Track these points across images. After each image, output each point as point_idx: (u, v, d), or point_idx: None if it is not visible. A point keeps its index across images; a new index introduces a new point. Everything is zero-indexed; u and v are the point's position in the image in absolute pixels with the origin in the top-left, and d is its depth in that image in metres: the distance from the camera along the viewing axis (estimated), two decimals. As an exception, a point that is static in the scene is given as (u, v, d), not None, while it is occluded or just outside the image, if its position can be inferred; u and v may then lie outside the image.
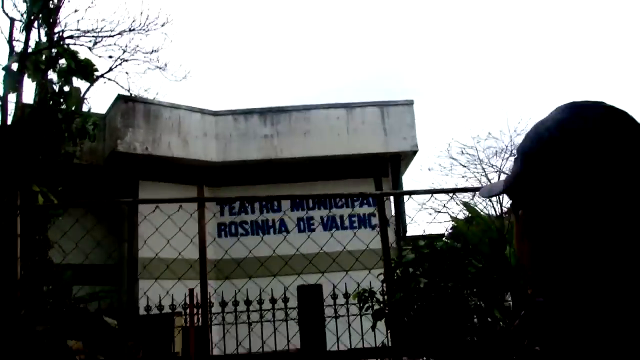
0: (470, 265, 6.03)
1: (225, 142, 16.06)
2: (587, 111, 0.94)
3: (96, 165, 14.88)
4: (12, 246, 5.38)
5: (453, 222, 6.47)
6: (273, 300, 7.05)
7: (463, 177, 25.79)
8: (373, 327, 6.46)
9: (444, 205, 26.04)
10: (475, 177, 25.77)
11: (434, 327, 6.21)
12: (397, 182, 16.77)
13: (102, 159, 15.35)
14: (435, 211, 24.25)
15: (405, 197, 17.41)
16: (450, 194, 12.54)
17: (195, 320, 8.43)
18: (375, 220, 16.53)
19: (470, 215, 7.13)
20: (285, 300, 6.96)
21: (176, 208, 5.15)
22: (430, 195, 6.24)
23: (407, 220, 17.09)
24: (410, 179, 38.71)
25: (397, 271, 5.95)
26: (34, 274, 10.92)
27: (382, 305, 6.31)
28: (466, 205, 7.00)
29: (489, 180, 27.46)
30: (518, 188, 1.00)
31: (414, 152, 17.27)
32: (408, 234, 16.27)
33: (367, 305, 6.41)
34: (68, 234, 5.64)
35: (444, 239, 6.14)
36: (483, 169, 28.97)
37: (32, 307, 5.81)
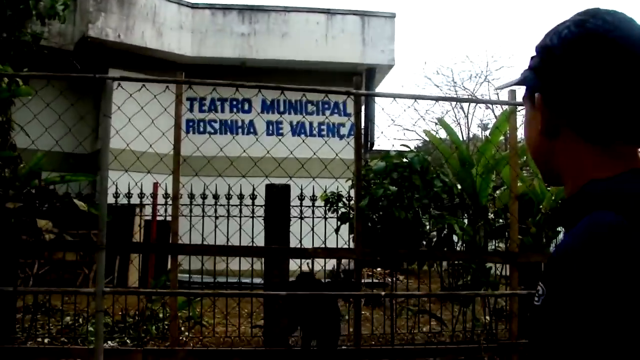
0: (437, 179, 6.22)
1: (200, 37, 15.69)
2: (604, 14, 1.02)
3: (65, 50, 14.43)
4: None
5: (425, 136, 6.56)
6: (241, 196, 7.15)
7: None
8: (337, 230, 6.68)
9: (414, 124, 26.31)
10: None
11: (395, 234, 6.45)
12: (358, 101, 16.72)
13: (72, 43, 14.90)
14: (404, 129, 24.50)
15: (376, 111, 17.47)
16: (434, 102, 12.59)
17: (163, 212, 8.56)
18: (344, 131, 16.62)
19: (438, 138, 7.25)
20: (253, 197, 7.06)
21: (148, 98, 5.12)
22: (410, 104, 6.31)
23: (376, 133, 17.23)
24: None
25: (367, 178, 6.10)
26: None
27: (348, 209, 6.51)
28: (440, 121, 7.10)
29: (461, 104, 27.59)
30: (537, 79, 1.08)
31: (390, 67, 17.19)
32: (375, 148, 16.48)
33: (333, 208, 6.61)
34: (38, 120, 5.51)
35: (414, 151, 6.25)
36: (456, 91, 29.15)
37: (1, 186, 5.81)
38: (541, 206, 6.69)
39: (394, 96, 5.18)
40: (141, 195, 7.47)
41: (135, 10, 14.70)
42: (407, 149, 6.30)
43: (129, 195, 7.41)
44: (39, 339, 6.89)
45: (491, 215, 7.17)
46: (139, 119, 5.50)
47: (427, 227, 6.78)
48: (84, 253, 13.40)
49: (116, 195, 7.27)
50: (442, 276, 7.51)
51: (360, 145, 5.42)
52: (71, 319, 7.84)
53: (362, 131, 17.26)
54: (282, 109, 15.84)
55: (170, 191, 5.77)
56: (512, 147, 5.94)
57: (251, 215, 7.24)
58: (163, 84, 5.75)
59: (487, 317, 6.84)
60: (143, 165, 5.99)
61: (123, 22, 14.52)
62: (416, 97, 5.75)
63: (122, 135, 5.21)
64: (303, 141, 6.44)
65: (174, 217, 5.36)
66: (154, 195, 10.51)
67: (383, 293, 3.63)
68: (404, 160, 6.13)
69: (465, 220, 7.20)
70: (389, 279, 15.19)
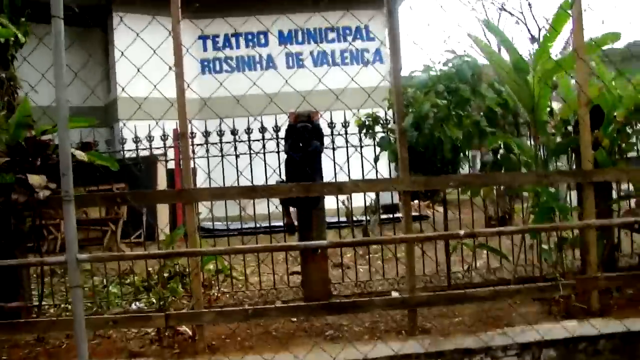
0: (490, 90, 5.23)
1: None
2: None
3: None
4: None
5: (476, 45, 5.51)
6: (263, 129, 6.21)
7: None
8: (376, 159, 5.79)
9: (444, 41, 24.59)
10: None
11: (441, 159, 5.55)
12: (393, 13, 15.53)
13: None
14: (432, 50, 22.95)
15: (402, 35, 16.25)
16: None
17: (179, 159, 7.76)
18: (368, 56, 15.52)
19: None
20: (277, 129, 6.18)
21: (154, 40, 4.25)
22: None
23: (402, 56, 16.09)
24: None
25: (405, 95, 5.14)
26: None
27: (387, 133, 5.60)
28: (488, 23, 6.02)
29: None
30: None
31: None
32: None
33: (369, 134, 5.69)
34: (39, 73, 4.66)
35: (464, 58, 5.22)
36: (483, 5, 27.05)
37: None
38: (615, 114, 5.67)
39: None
40: (164, 137, 6.62)
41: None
42: (453, 55, 5.28)
43: (150, 139, 6.60)
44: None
45: (551, 131, 6.17)
46: (149, 63, 4.63)
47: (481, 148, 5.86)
48: (107, 209, 12.88)
49: (136, 141, 6.48)
50: (498, 204, 6.62)
51: (398, 51, 4.46)
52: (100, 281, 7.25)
53: (382, 60, 16.27)
54: (300, 39, 14.74)
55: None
56: (578, 42, 4.93)
57: (276, 149, 6.37)
58: (167, 21, 4.76)
59: (551, 246, 5.93)
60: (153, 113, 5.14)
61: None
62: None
63: (135, 83, 4.37)
64: (327, 71, 5.50)
65: (184, 158, 4.53)
66: (175, 139, 9.75)
67: (462, 233, 2.84)
68: (451, 68, 5.14)
69: (524, 138, 6.23)
70: (427, 211, 14.36)
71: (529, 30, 24.66)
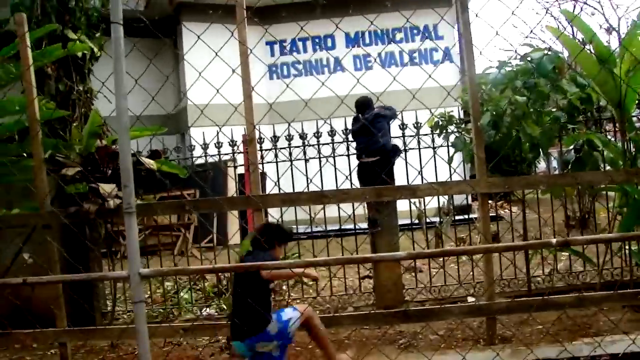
0: (572, 85, 4.90)
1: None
2: None
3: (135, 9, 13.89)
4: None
5: (554, 36, 5.18)
6: (332, 132, 6.07)
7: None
8: (450, 160, 5.56)
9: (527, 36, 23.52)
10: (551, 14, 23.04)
11: (518, 158, 5.26)
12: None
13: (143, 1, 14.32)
14: (506, 50, 22.13)
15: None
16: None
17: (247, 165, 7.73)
18: (437, 56, 15.18)
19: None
20: (347, 132, 6.03)
21: (222, 51, 4.20)
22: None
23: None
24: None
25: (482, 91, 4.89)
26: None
27: (461, 134, 5.36)
28: (568, 14, 5.66)
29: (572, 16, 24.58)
30: None
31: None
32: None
33: (443, 134, 5.47)
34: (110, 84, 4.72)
35: (544, 51, 4.89)
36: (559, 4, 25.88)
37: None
38: None
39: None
40: (233, 143, 6.58)
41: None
42: (531, 49, 4.98)
43: (218, 146, 6.59)
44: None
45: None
46: (218, 71, 4.60)
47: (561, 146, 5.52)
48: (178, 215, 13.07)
49: (205, 147, 6.50)
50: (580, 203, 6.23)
51: (471, 48, 4.23)
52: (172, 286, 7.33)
53: (451, 59, 15.83)
54: (367, 40, 14.57)
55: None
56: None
57: (346, 153, 6.23)
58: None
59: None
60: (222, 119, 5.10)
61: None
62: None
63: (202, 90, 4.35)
64: (398, 73, 5.30)
65: (252, 164, 4.46)
66: (244, 145, 9.77)
67: (554, 241, 2.57)
68: (529, 62, 4.84)
69: (610, 136, 5.85)
70: (501, 212, 13.88)
71: (607, 20, 23.47)
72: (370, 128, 6.09)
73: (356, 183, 6.42)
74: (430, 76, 3.83)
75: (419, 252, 4.29)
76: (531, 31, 21.94)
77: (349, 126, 6.70)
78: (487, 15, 3.22)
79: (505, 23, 3.28)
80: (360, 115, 6.44)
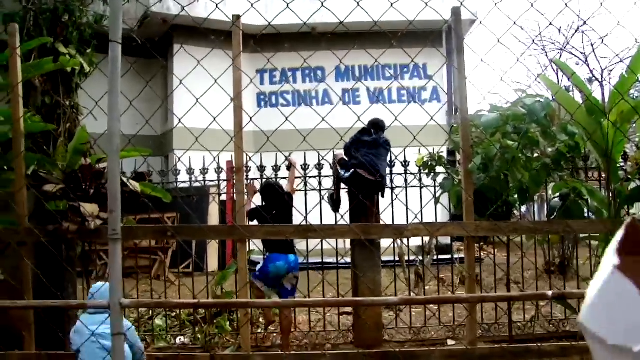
0: (561, 133, 4.90)
1: (266, 4, 14.70)
2: None
3: (128, 28, 13.92)
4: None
5: (546, 85, 5.21)
6: (319, 166, 6.04)
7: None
8: (437, 200, 5.53)
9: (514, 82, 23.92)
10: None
11: (505, 203, 5.24)
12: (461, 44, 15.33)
13: (135, 19, 14.30)
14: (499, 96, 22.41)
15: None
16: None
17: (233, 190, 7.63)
18: (425, 95, 15.29)
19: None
20: (334, 165, 5.98)
21: (213, 72, 4.16)
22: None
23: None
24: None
25: (473, 135, 4.88)
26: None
27: (449, 175, 5.34)
28: (558, 62, 5.73)
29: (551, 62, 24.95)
30: None
31: (472, 22, 15.68)
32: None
33: (431, 174, 5.44)
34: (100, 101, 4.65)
35: (533, 96, 4.92)
36: (544, 47, 26.26)
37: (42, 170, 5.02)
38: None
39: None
40: (218, 170, 6.51)
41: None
42: (523, 95, 4.99)
43: (204, 172, 6.51)
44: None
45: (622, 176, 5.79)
46: (206, 95, 4.54)
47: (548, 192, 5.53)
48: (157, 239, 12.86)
49: (190, 173, 6.42)
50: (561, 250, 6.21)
51: (464, 90, 4.23)
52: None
53: (439, 99, 15.97)
54: (357, 74, 14.66)
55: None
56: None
57: (334, 187, 6.18)
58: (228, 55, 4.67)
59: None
60: (202, 147, 5.03)
61: (185, -5, 13.80)
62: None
63: (191, 114, 4.28)
64: (395, 104, 5.30)
65: (238, 193, 4.38)
66: (229, 171, 9.68)
67: (549, 293, 2.48)
68: (521, 109, 4.84)
69: (595, 184, 5.86)
70: (481, 253, 13.85)
71: (591, 71, 23.88)
72: (381, 148, 6.01)
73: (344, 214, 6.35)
74: (430, 117, 3.81)
75: (412, 298, 4.24)
76: (512, 78, 22.26)
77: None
78: (479, 57, 3.22)
79: (492, 68, 3.29)
80: (373, 130, 6.35)
